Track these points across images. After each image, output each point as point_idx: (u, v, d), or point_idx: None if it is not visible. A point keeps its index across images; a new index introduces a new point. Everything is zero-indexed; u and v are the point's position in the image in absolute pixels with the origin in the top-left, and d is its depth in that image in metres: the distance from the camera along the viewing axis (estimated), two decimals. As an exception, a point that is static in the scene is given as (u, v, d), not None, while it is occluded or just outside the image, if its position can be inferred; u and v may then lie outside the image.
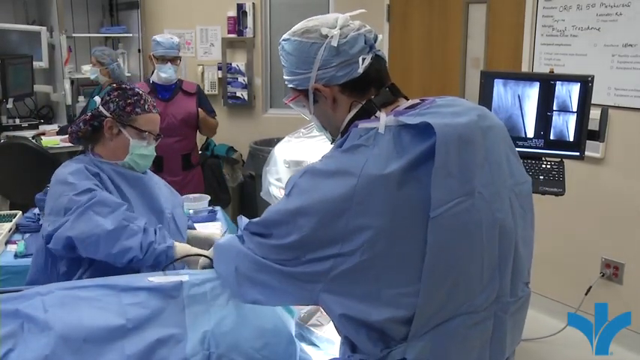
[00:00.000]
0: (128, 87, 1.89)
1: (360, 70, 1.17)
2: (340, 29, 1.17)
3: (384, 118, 1.12)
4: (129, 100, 1.85)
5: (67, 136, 1.93)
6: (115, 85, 1.94)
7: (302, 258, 1.11)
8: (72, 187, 1.75)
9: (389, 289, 1.07)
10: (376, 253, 1.05)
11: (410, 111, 1.14)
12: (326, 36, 1.17)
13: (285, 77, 1.26)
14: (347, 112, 1.21)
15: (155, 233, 1.74)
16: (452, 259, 1.08)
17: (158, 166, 3.53)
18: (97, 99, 1.89)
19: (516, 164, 1.22)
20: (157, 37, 3.47)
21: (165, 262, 1.69)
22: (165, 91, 3.51)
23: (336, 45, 1.16)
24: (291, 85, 1.25)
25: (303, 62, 1.20)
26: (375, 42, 1.21)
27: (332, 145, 1.26)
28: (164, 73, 3.44)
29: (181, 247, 1.77)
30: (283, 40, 1.23)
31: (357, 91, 1.19)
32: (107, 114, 1.84)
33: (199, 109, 3.58)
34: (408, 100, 1.23)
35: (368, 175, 1.05)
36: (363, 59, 1.17)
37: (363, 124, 1.14)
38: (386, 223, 1.04)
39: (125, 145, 1.86)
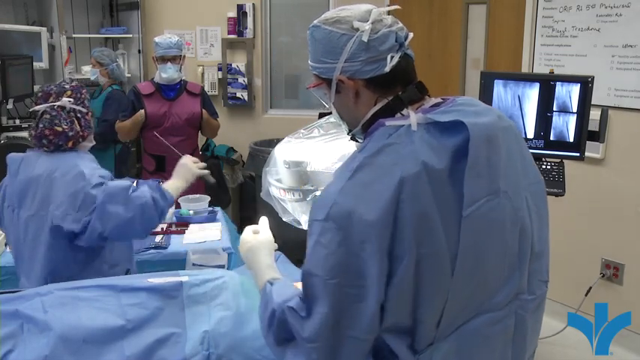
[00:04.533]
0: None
1: (387, 69, 1.14)
2: (372, 24, 1.14)
3: (414, 116, 1.10)
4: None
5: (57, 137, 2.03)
6: (80, 85, 2.19)
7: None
8: (87, 181, 1.86)
9: (427, 290, 1.05)
10: (421, 253, 1.03)
11: (436, 109, 1.13)
12: (357, 29, 1.14)
13: (309, 62, 1.22)
14: (370, 107, 1.17)
15: (156, 198, 1.91)
16: (479, 257, 1.08)
17: (160, 166, 3.53)
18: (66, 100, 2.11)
19: (530, 164, 1.23)
20: (156, 39, 3.48)
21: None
22: (170, 91, 3.51)
23: (366, 40, 1.13)
24: (314, 72, 1.22)
25: (330, 52, 1.16)
26: (405, 40, 1.18)
27: (349, 137, 1.27)
28: (164, 73, 3.45)
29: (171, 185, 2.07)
30: (313, 26, 1.19)
31: (382, 87, 1.16)
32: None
33: (203, 110, 3.59)
34: (431, 98, 1.21)
35: (408, 173, 1.02)
36: (392, 57, 1.14)
37: (390, 122, 1.11)
38: (432, 221, 1.03)
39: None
